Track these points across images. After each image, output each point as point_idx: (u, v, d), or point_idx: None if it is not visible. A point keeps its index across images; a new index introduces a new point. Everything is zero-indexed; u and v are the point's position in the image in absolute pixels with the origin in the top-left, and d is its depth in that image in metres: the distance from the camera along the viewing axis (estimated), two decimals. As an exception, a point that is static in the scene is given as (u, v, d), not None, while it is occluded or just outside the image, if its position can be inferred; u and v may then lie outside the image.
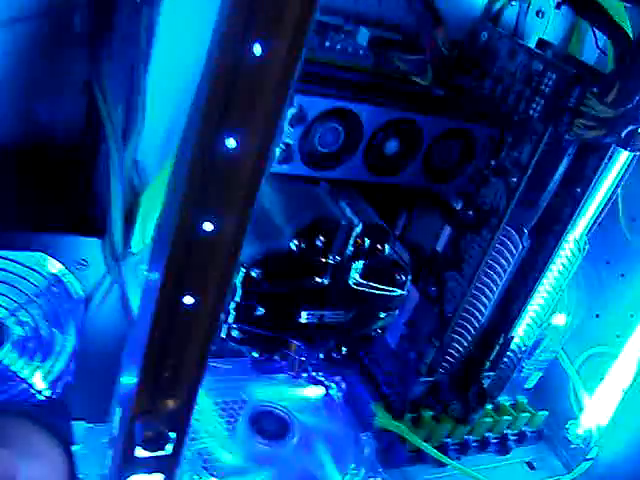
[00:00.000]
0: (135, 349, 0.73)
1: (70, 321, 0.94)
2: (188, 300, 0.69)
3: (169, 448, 0.76)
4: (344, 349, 1.01)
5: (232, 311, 0.89)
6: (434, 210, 1.13)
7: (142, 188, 0.90)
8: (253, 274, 0.87)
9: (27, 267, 0.89)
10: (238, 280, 0.87)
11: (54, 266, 0.89)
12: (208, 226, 0.64)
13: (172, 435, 0.75)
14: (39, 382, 0.98)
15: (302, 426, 1.07)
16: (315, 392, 1.15)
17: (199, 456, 0.98)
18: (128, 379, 0.75)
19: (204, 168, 0.61)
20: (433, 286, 1.13)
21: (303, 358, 1.02)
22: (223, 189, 0.63)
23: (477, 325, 1.12)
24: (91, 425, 1.03)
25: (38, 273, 0.89)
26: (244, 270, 0.86)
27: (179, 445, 0.79)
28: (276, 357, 0.97)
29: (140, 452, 0.78)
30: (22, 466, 0.87)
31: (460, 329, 1.13)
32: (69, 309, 0.92)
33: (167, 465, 0.82)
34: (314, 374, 1.16)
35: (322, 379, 1.17)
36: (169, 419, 0.75)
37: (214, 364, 1.11)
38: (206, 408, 1.06)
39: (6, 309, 0.90)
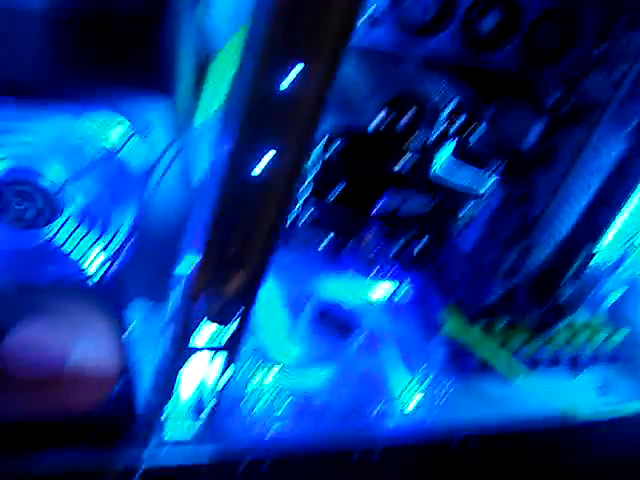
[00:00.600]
0: (201, 219, 0.66)
1: (129, 195, 0.87)
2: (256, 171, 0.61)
3: (234, 323, 0.70)
4: (418, 246, 0.93)
5: (309, 185, 0.81)
6: (526, 103, 1.03)
7: (212, 56, 0.82)
8: (334, 146, 0.79)
9: (89, 130, 0.82)
10: (318, 151, 0.79)
11: (117, 131, 0.82)
12: (289, 78, 0.56)
13: (238, 309, 0.68)
14: (94, 261, 0.91)
15: (369, 325, 1.00)
16: (384, 292, 1.07)
17: (259, 348, 0.92)
18: (192, 253, 0.68)
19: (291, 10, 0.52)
20: (519, 185, 1.03)
21: (375, 251, 0.94)
22: (309, 35, 0.55)
23: (562, 231, 1.03)
24: (148, 305, 0.98)
25: (100, 137, 0.82)
26: (325, 140, 0.78)
27: (243, 321, 0.73)
28: (348, 246, 0.90)
29: (204, 327, 0.72)
30: (75, 345, 0.81)
31: (544, 234, 1.03)
32: (129, 181, 0.85)
33: (231, 343, 0.76)
34: (383, 274, 1.08)
35: (391, 280, 1.08)
36: (236, 293, 0.69)
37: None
38: (270, 300, 1.00)
39: (64, 176, 0.83)
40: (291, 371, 0.92)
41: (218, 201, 0.61)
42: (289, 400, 0.90)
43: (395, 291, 1.07)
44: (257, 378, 0.89)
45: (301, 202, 0.83)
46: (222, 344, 0.76)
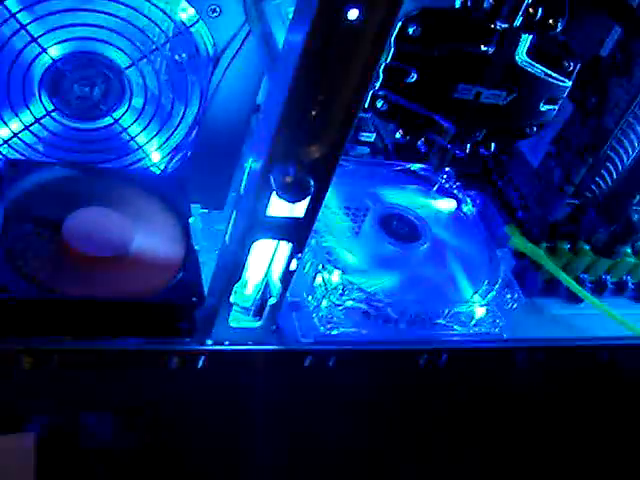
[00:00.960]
0: (278, 86, 0.63)
1: (194, 84, 0.84)
2: (352, 14, 0.57)
3: (303, 202, 0.67)
4: (493, 144, 0.89)
5: (380, 74, 0.77)
6: (601, 7, 0.98)
7: None
8: (409, 30, 0.75)
9: (155, 10, 0.79)
10: (391, 37, 0.75)
11: (184, 10, 0.79)
12: None
13: (310, 185, 0.65)
14: (156, 153, 0.89)
15: (433, 235, 0.96)
16: (448, 205, 1.04)
17: (324, 249, 0.89)
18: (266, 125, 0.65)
19: None
20: (592, 95, 0.99)
21: (443, 158, 0.91)
22: None
23: (636, 145, 0.98)
24: (206, 211, 0.95)
25: (166, 16, 0.79)
26: (399, 24, 0.74)
27: (315, 206, 0.70)
28: (419, 143, 0.86)
29: (273, 208, 0.69)
30: (138, 232, 0.80)
31: (617, 146, 0.99)
32: (195, 68, 0.83)
33: (296, 232, 0.73)
34: (448, 186, 1.04)
35: (456, 192, 1.05)
36: (310, 167, 0.65)
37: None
38: (331, 206, 0.97)
39: (128, 60, 0.80)
40: (355, 274, 0.89)
41: (302, 53, 0.57)
42: (353, 302, 0.87)
43: (460, 203, 1.04)
44: (321, 277, 0.86)
45: (369, 95, 0.79)
46: (289, 232, 0.73)
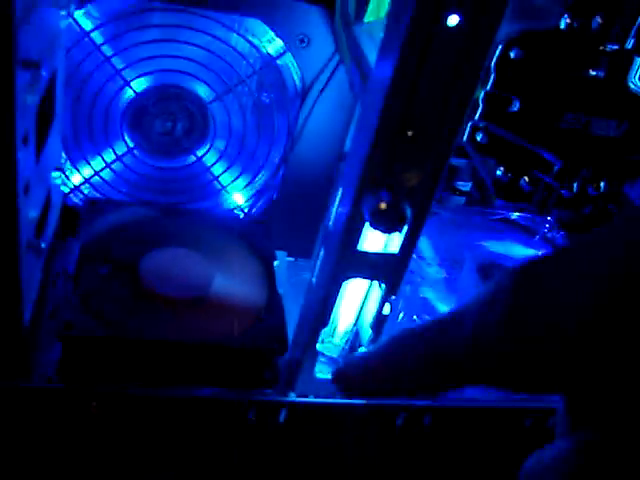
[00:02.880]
0: (371, 107, 0.58)
1: (281, 121, 0.80)
2: (452, 20, 0.52)
3: (399, 234, 0.60)
4: (603, 182, 0.81)
5: (480, 103, 0.71)
6: None
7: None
8: (511, 54, 0.69)
9: (243, 44, 0.75)
10: (492, 62, 0.69)
11: (272, 42, 0.75)
12: None
13: (407, 214, 0.58)
14: (239, 194, 0.84)
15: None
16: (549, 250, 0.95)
17: (419, 299, 0.82)
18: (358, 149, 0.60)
19: None
20: None
21: (546, 200, 0.83)
22: None
23: None
24: (291, 259, 0.90)
25: (253, 48, 0.75)
26: (500, 48, 0.68)
27: (411, 239, 0.63)
28: (522, 181, 0.79)
29: (366, 242, 0.63)
30: (218, 274, 0.74)
31: None
32: (282, 103, 0.78)
33: (390, 270, 0.66)
34: (551, 235, 0.96)
35: (560, 242, 0.97)
36: (406, 196, 0.59)
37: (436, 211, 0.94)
38: (426, 257, 0.90)
39: (213, 91, 0.77)
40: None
41: (396, 66, 0.52)
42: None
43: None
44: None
45: (468, 127, 0.73)
46: (382, 270, 0.66)
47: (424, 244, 0.94)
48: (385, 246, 0.65)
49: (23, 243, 0.61)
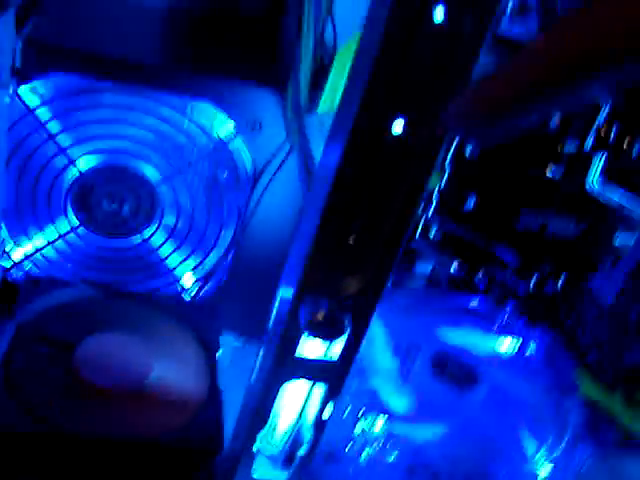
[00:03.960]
0: (312, 208, 0.55)
1: (231, 203, 0.77)
2: (398, 126, 0.50)
3: (340, 341, 0.57)
4: (561, 278, 0.79)
5: (434, 199, 0.69)
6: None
7: (334, 50, 0.73)
8: (466, 151, 0.67)
9: (193, 126, 0.73)
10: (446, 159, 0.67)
11: (223, 125, 0.73)
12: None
13: (347, 322, 0.56)
14: (188, 277, 0.82)
15: (492, 379, 0.85)
16: (509, 345, 0.93)
17: (366, 392, 0.79)
18: (298, 251, 0.57)
19: None
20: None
21: (504, 292, 0.81)
22: None
23: None
24: (241, 341, 0.87)
25: (205, 134, 0.73)
26: (454, 144, 0.66)
27: (352, 346, 0.60)
28: (477, 278, 0.77)
29: (305, 347, 0.60)
30: (157, 364, 0.71)
31: None
32: (232, 186, 0.76)
33: (331, 375, 0.63)
34: (512, 322, 0.94)
35: (520, 330, 0.94)
36: (348, 299, 0.57)
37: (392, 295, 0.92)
38: (377, 343, 0.87)
39: (162, 176, 0.74)
40: (401, 422, 0.79)
41: (338, 168, 0.50)
42: (396, 454, 0.76)
43: (523, 344, 0.93)
44: (361, 424, 0.76)
45: (421, 222, 0.71)
46: (323, 374, 0.64)
47: (377, 328, 0.91)
48: (326, 351, 0.62)
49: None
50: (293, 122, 0.70)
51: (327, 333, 0.57)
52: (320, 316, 0.56)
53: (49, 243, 0.78)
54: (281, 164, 0.74)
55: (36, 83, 0.71)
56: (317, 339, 0.58)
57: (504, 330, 0.94)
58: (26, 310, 0.75)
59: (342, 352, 0.60)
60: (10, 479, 0.65)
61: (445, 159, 0.69)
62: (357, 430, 0.76)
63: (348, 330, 0.57)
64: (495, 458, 0.81)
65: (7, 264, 0.79)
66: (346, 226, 0.55)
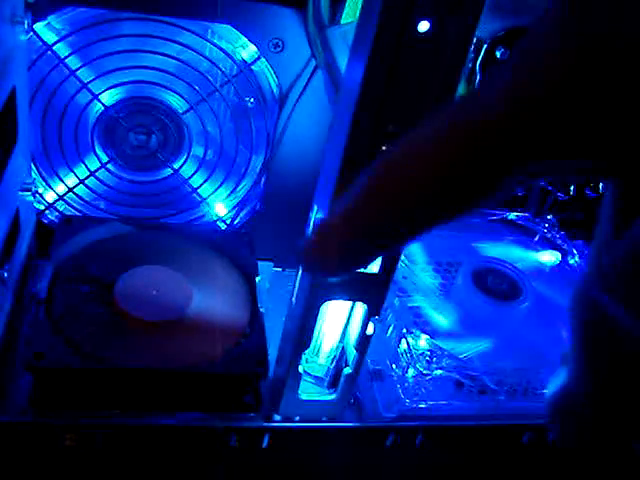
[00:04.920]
0: (341, 122, 0.54)
1: (260, 127, 0.76)
2: (423, 26, 0.48)
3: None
4: (601, 185, 0.77)
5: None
6: None
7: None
8: (497, 53, 0.65)
9: (216, 51, 0.71)
10: (477, 62, 0.65)
11: (245, 48, 0.71)
12: None
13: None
14: (221, 205, 0.81)
15: (535, 292, 0.84)
16: (551, 257, 0.91)
17: (409, 310, 0.78)
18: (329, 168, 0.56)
19: None
20: None
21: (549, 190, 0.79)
22: None
23: None
24: (278, 269, 0.86)
25: (227, 56, 0.71)
26: (485, 47, 0.64)
27: (391, 259, 0.59)
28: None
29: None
30: (197, 293, 0.71)
31: None
32: (259, 110, 0.74)
33: (371, 291, 0.62)
34: (550, 236, 0.92)
35: (560, 243, 0.92)
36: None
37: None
38: (418, 261, 0.86)
39: (186, 101, 0.73)
40: (445, 338, 0.78)
41: (365, 80, 0.48)
42: (443, 371, 0.75)
43: (565, 255, 0.91)
44: (406, 343, 0.75)
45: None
46: (363, 290, 0.63)
47: (417, 247, 0.90)
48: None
49: (-19, 275, 0.58)
50: (316, 38, 0.68)
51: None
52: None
53: (80, 182, 0.78)
54: (307, 83, 0.72)
55: (51, 18, 0.70)
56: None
57: (545, 243, 0.93)
58: (63, 250, 0.75)
59: (382, 265, 0.59)
60: (59, 414, 0.66)
61: (475, 63, 0.66)
62: (401, 348, 0.76)
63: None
64: (543, 370, 0.80)
65: (41, 206, 0.79)
66: (376, 138, 0.53)
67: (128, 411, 0.67)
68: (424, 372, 0.75)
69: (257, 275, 0.76)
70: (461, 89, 0.66)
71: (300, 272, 0.63)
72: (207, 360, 0.67)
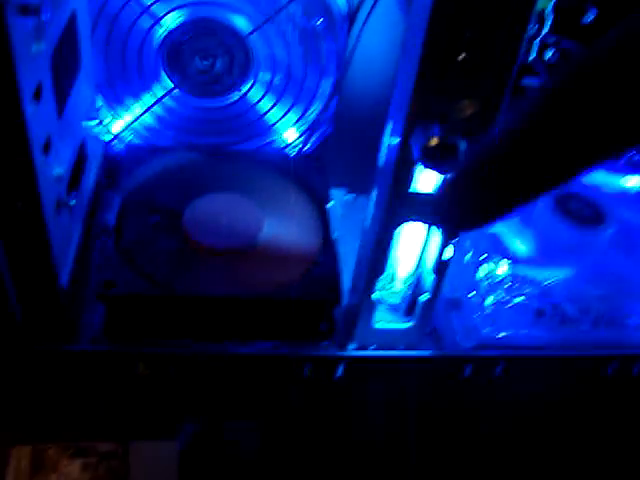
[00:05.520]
0: (415, 28, 0.50)
1: (328, 48, 0.73)
2: None
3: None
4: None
5: (549, 15, 0.62)
6: None
7: None
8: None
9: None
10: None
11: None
12: None
13: (463, 147, 0.51)
14: (291, 131, 0.78)
15: (620, 217, 0.79)
16: (636, 182, 0.86)
17: (488, 235, 0.75)
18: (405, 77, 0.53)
19: None
20: None
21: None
22: None
23: None
24: (352, 195, 0.83)
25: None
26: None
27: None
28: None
29: (419, 182, 0.56)
30: (268, 220, 0.69)
31: None
32: (327, 29, 0.71)
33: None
34: (637, 159, 0.87)
35: (648, 164, 0.87)
36: (461, 130, 0.52)
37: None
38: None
39: (252, 26, 0.70)
40: (525, 265, 0.74)
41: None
42: (523, 298, 0.72)
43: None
44: (485, 269, 0.72)
45: (537, 42, 0.64)
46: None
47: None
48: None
49: (50, 203, 0.57)
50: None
51: (442, 162, 0.52)
52: (433, 143, 0.51)
53: (146, 110, 0.76)
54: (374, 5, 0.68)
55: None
56: (432, 171, 0.53)
57: (630, 167, 0.88)
58: (130, 180, 0.74)
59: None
60: (132, 343, 0.65)
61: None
62: (480, 275, 0.73)
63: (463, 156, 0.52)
64: (628, 297, 0.76)
65: (107, 137, 0.78)
66: (453, 42, 0.49)
67: (200, 340, 0.66)
68: (503, 300, 0.72)
69: (329, 201, 0.74)
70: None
71: (374, 192, 0.60)
72: (279, 287, 0.66)
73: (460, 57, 0.50)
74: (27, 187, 0.53)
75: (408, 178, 0.56)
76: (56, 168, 0.58)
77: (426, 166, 0.52)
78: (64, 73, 0.60)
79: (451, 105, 0.52)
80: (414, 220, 0.60)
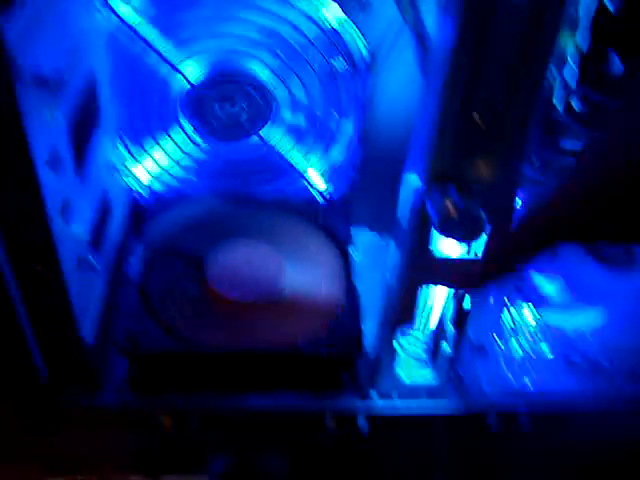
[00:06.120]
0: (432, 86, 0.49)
1: (349, 91, 0.72)
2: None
3: (479, 236, 0.52)
4: None
5: (574, 67, 0.61)
6: None
7: None
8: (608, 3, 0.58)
9: (299, 14, 0.68)
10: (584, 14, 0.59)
11: (330, 10, 0.67)
12: None
13: (483, 217, 0.50)
14: (314, 175, 0.78)
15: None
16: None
17: (516, 279, 0.73)
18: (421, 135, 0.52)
19: None
20: None
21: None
22: None
23: None
24: (374, 233, 0.83)
25: (310, 21, 0.67)
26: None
27: (496, 242, 0.55)
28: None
29: (443, 244, 0.55)
30: (290, 267, 0.69)
31: None
32: (347, 73, 0.70)
33: (473, 278, 0.58)
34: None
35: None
36: (480, 192, 0.51)
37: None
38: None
39: (274, 71, 0.70)
40: (553, 309, 0.73)
41: (456, 41, 0.44)
42: (551, 346, 0.71)
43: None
44: (511, 317, 0.71)
45: (565, 96, 0.63)
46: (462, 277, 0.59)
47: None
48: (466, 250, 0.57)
49: (70, 262, 0.57)
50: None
51: (462, 233, 0.51)
52: (452, 214, 0.50)
53: (168, 156, 0.77)
54: (394, 44, 0.67)
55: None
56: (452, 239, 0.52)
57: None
58: (154, 229, 0.74)
59: (484, 251, 0.55)
60: (157, 399, 0.66)
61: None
62: (506, 321, 0.72)
63: (485, 227, 0.51)
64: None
65: (132, 185, 0.78)
66: (469, 101, 0.49)
67: (222, 393, 0.66)
68: (529, 347, 0.71)
69: (351, 243, 0.74)
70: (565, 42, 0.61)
71: (397, 253, 0.60)
72: (302, 341, 0.65)
73: (476, 116, 0.49)
74: (46, 251, 0.53)
75: (427, 241, 0.55)
76: (76, 227, 0.58)
77: (443, 234, 0.52)
78: (83, 131, 0.60)
79: (468, 168, 0.51)
80: (436, 284, 0.59)
